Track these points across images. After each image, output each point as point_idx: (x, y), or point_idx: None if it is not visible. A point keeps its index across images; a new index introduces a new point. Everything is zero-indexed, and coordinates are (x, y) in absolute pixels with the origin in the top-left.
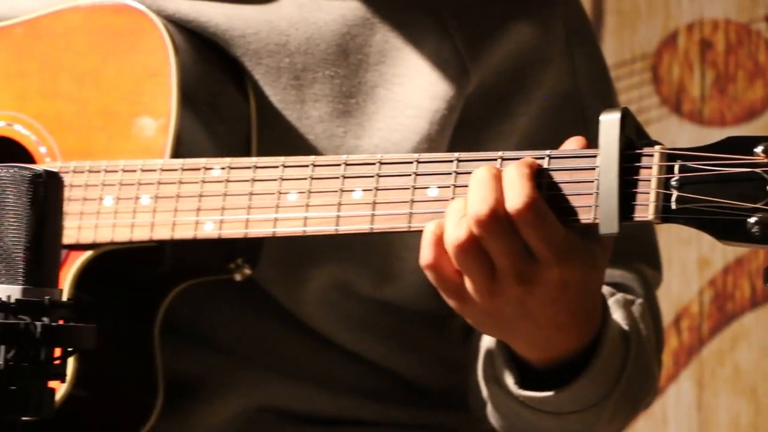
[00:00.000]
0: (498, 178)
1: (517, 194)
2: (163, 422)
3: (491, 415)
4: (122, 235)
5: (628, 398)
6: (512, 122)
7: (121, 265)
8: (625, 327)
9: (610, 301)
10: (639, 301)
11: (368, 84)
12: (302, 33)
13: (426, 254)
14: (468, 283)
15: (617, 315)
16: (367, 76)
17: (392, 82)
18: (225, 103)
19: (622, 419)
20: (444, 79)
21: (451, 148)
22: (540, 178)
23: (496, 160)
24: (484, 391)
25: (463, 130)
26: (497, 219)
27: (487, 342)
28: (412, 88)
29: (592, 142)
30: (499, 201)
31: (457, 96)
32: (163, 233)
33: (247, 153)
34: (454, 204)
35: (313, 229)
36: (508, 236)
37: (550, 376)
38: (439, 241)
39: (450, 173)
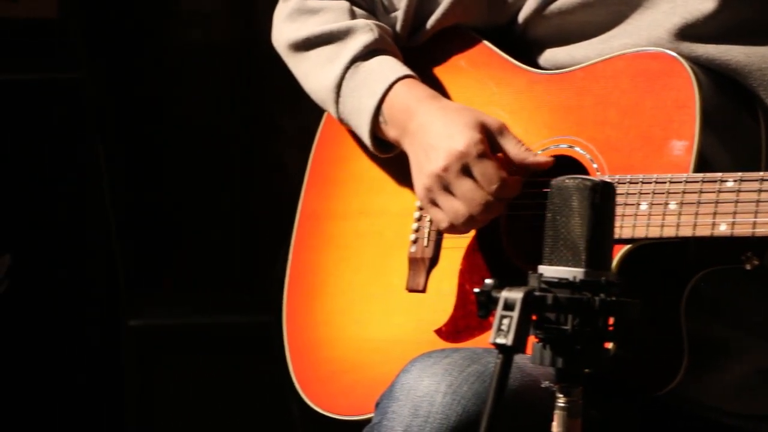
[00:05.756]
0: None
1: None
2: (687, 378)
3: None
4: (654, 232)
5: None
6: None
7: (653, 256)
8: None
9: None
10: None
11: None
12: None
13: None
14: None
15: None
16: None
17: None
18: (739, 127)
19: None
20: None
21: None
22: None
23: None
24: None
25: None
26: None
27: None
28: None
29: None
30: None
31: None
32: (686, 232)
33: (756, 166)
34: None
35: None
36: None
37: None
38: None
39: None
